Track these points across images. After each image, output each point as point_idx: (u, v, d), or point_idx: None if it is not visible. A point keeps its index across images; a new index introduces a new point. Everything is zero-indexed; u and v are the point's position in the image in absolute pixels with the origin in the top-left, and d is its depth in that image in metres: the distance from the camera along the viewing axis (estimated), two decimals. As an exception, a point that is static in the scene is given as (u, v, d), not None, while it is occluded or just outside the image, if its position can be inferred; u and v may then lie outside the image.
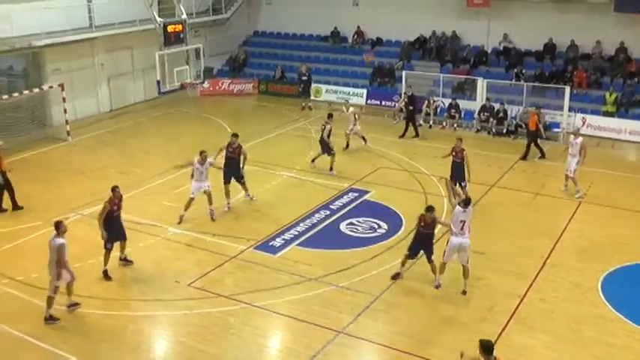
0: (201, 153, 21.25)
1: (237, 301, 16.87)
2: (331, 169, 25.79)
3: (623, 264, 18.85)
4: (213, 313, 16.39)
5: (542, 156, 28.08)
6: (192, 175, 21.35)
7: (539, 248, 19.62)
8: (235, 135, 22.69)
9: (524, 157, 28.05)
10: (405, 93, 32.56)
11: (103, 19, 33.85)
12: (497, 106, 31.91)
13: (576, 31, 34.69)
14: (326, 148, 25.82)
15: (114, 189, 18.14)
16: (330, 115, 26.52)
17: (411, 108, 31.42)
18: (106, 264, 18.13)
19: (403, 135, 31.33)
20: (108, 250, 18.09)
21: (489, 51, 37.30)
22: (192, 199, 21.38)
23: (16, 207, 22.85)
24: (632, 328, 15.76)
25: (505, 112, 31.77)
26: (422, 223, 17.33)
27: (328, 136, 25.65)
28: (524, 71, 34.34)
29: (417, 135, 31.31)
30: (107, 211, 17.92)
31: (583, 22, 34.40)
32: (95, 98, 35.63)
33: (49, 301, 15.92)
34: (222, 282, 17.89)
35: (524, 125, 30.57)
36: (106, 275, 18.11)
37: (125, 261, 18.88)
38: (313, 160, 26.45)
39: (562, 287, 17.60)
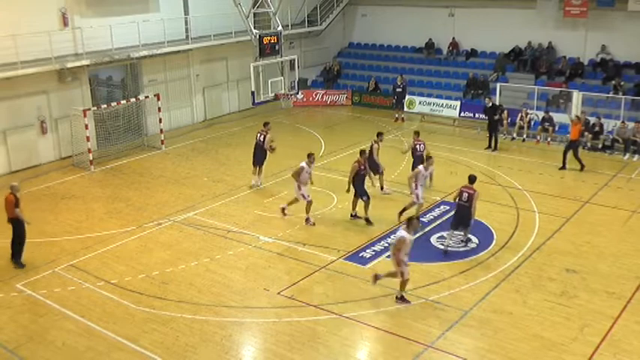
0: (309, 156, 22.05)
1: (327, 311, 16.89)
2: (382, 187, 25.02)
3: None
4: (301, 322, 16.45)
5: (581, 169, 27.70)
6: (298, 179, 21.91)
7: (635, 268, 18.92)
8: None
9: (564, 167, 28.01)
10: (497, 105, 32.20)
11: (199, 31, 34.64)
12: (592, 119, 31.12)
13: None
14: (375, 167, 24.67)
15: (362, 153, 22.12)
16: (379, 134, 25.43)
17: (496, 117, 31.05)
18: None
19: (489, 146, 31.08)
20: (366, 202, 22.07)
21: (586, 63, 36.36)
22: (310, 202, 22.16)
23: (18, 261, 19.42)
24: None
25: (601, 126, 30.90)
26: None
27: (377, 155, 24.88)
28: (622, 84, 33.38)
29: (495, 148, 30.98)
30: (356, 170, 21.70)
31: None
32: (190, 108, 36.44)
33: (403, 285, 17.14)
34: (312, 291, 17.94)
35: (620, 140, 29.84)
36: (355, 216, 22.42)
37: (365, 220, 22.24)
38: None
39: (659, 309, 17.00)
